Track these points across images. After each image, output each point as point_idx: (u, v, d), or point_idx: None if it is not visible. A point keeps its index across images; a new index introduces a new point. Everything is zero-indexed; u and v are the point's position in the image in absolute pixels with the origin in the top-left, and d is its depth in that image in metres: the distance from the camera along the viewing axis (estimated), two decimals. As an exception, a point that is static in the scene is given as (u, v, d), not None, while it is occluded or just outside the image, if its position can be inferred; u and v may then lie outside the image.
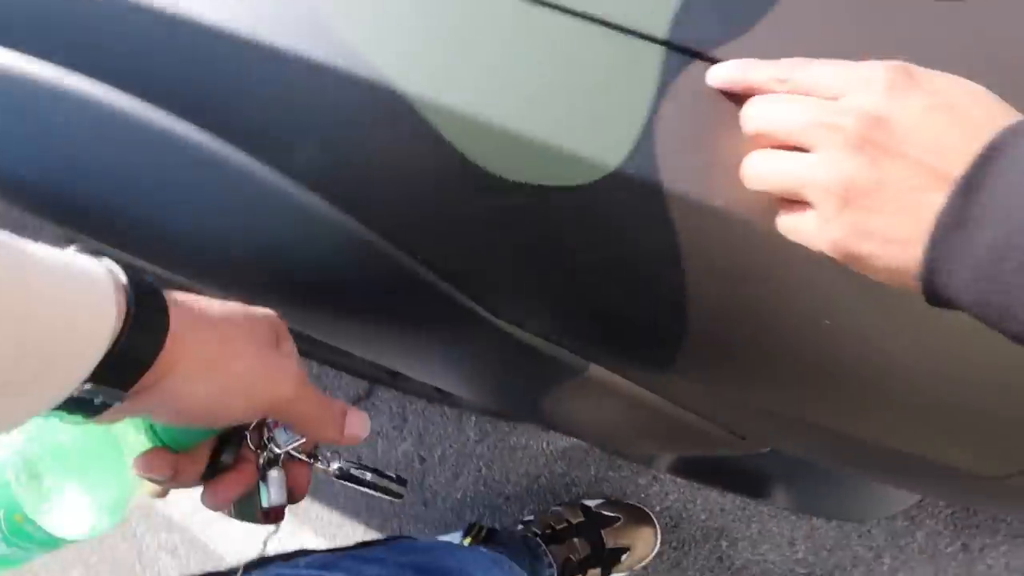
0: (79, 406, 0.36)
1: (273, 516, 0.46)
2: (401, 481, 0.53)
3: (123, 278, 0.37)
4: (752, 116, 0.42)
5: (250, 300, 0.60)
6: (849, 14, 0.44)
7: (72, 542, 0.45)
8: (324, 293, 0.58)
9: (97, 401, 0.36)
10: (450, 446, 1.29)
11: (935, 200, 0.34)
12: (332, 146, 0.49)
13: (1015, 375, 0.47)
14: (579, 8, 0.44)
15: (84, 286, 0.35)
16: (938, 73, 0.38)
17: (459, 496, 1.29)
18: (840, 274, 0.44)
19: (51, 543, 0.45)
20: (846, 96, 0.38)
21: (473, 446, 1.29)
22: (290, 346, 0.46)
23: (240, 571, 0.44)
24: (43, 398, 0.34)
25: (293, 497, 0.47)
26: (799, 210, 0.41)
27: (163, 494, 0.45)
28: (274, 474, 0.46)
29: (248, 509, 0.48)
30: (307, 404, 0.45)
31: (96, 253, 0.38)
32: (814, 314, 0.47)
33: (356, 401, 1.30)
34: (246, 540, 1.39)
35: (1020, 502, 0.59)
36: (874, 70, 0.38)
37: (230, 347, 0.41)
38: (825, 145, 0.38)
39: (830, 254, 0.40)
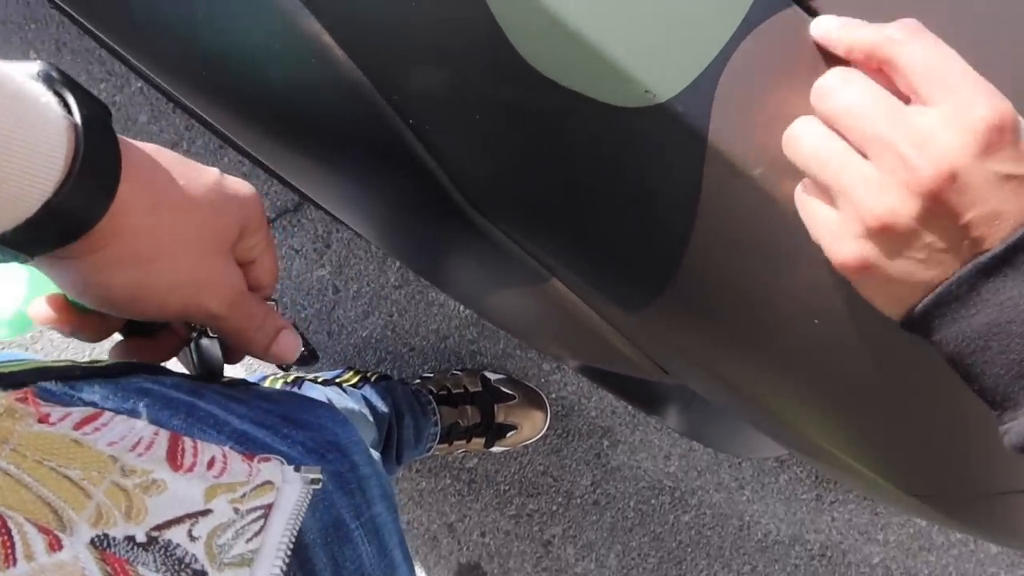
0: None
1: (204, 379, 0.42)
2: (314, 357, 0.49)
3: (78, 119, 0.29)
4: (825, 91, 0.37)
5: (207, 105, 0.52)
6: (970, 3, 0.38)
7: None
8: (286, 122, 0.51)
9: None
10: (367, 284, 1.25)
11: (955, 265, 0.35)
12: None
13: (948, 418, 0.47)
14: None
15: (30, 129, 0.27)
16: None
17: (365, 335, 1.27)
18: (845, 287, 0.41)
19: None
20: (932, 125, 0.33)
21: (391, 290, 1.26)
22: (255, 240, 0.40)
23: (104, 364, 0.39)
24: None
25: (226, 360, 0.43)
26: (823, 200, 0.38)
27: (70, 334, 0.39)
28: (205, 343, 0.41)
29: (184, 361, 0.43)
30: (234, 322, 0.39)
31: (51, 78, 0.30)
32: (807, 311, 0.44)
33: (282, 214, 1.23)
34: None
35: (914, 511, 0.61)
36: (977, 107, 0.33)
37: (171, 246, 0.34)
38: (886, 170, 0.34)
39: (832, 262, 0.38)
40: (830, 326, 0.43)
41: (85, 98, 0.31)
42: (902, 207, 0.34)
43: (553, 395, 1.30)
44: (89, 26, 0.52)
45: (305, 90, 0.46)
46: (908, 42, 0.34)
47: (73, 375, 0.35)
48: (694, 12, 0.37)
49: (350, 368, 1.17)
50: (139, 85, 1.20)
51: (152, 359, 0.42)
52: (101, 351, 1.30)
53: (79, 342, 1.30)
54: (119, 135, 0.33)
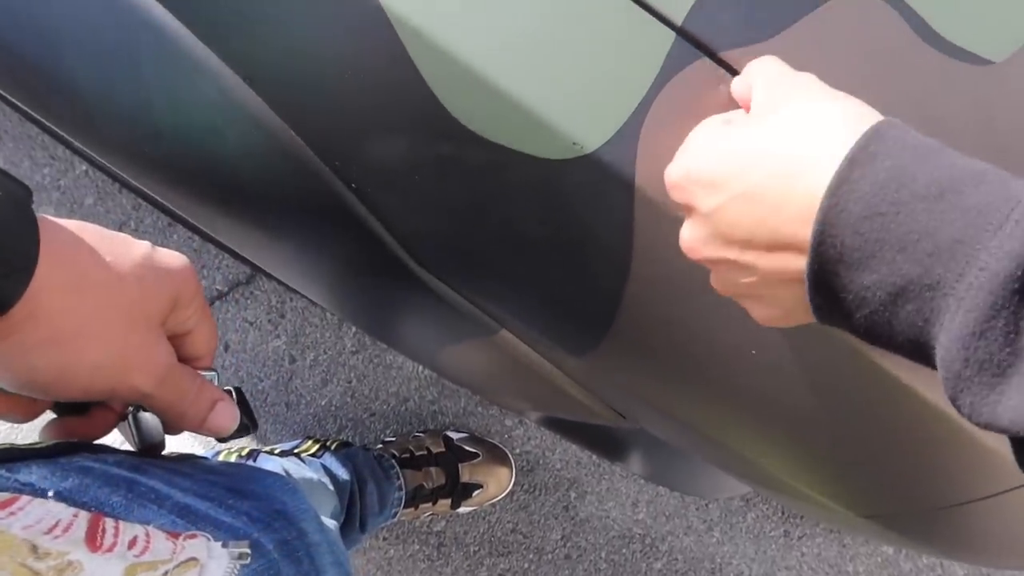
0: None
1: (146, 453, 0.42)
2: (254, 425, 0.48)
3: None
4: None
5: (155, 183, 0.53)
6: (864, 52, 0.41)
7: None
8: (234, 195, 0.52)
9: None
10: (324, 352, 1.25)
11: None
12: (284, 40, 0.43)
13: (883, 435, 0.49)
14: (596, -33, 0.39)
15: None
16: (696, 168, 0.36)
17: (324, 403, 1.26)
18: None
19: None
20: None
21: (348, 356, 1.26)
22: (189, 311, 0.39)
23: (44, 445, 0.39)
24: None
25: (166, 431, 0.43)
26: None
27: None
28: (144, 416, 0.41)
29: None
30: (165, 398, 0.38)
31: None
32: (742, 342, 0.46)
33: (235, 286, 1.23)
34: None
35: (872, 535, 0.62)
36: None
37: (95, 326, 0.34)
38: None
39: None
40: (765, 355, 0.45)
41: (1, 180, 0.31)
42: (713, 278, 0.39)
43: (517, 450, 1.30)
44: (37, 116, 0.53)
45: (250, 161, 0.48)
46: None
47: (12, 457, 0.35)
48: (613, 67, 0.40)
49: (309, 437, 1.16)
50: (84, 168, 1.20)
51: (87, 437, 0.41)
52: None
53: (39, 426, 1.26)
54: (42, 215, 0.32)
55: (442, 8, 0.39)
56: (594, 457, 1.31)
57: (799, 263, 0.31)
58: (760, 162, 0.33)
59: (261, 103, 0.45)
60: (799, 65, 0.40)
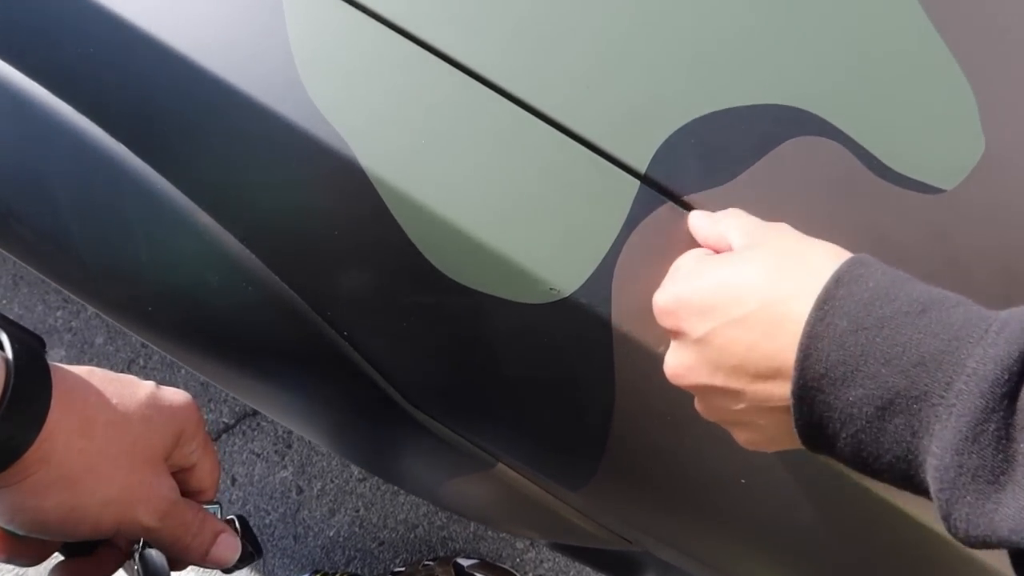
0: None
1: None
2: (259, 552, 0.49)
3: (9, 354, 0.32)
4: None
5: (154, 338, 0.56)
6: (819, 189, 0.44)
7: None
8: (231, 347, 0.54)
9: None
10: (331, 481, 1.24)
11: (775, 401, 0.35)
12: (276, 203, 0.46)
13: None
14: (567, 124, 0.42)
15: None
16: (688, 295, 0.37)
17: (332, 534, 1.24)
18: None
19: None
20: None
21: (355, 484, 1.25)
22: (192, 447, 0.41)
23: None
24: None
25: (171, 566, 0.43)
26: None
27: (7, 560, 0.39)
28: (150, 554, 0.41)
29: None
30: (169, 532, 0.39)
31: None
32: (731, 471, 0.46)
33: (241, 419, 1.24)
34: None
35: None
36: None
37: (103, 465, 0.35)
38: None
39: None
40: (755, 483, 0.46)
41: (17, 333, 0.33)
42: (698, 403, 0.40)
43: (530, 575, 1.26)
44: (42, 276, 0.56)
45: (246, 315, 0.50)
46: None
47: None
48: (584, 215, 0.42)
49: (317, 571, 1.14)
50: (94, 310, 1.24)
51: None
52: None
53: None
54: (53, 363, 0.35)
55: (420, 170, 0.42)
56: (609, 578, 1.28)
57: (785, 390, 0.32)
58: (753, 290, 0.34)
59: (255, 260, 0.48)
60: (757, 204, 0.42)
